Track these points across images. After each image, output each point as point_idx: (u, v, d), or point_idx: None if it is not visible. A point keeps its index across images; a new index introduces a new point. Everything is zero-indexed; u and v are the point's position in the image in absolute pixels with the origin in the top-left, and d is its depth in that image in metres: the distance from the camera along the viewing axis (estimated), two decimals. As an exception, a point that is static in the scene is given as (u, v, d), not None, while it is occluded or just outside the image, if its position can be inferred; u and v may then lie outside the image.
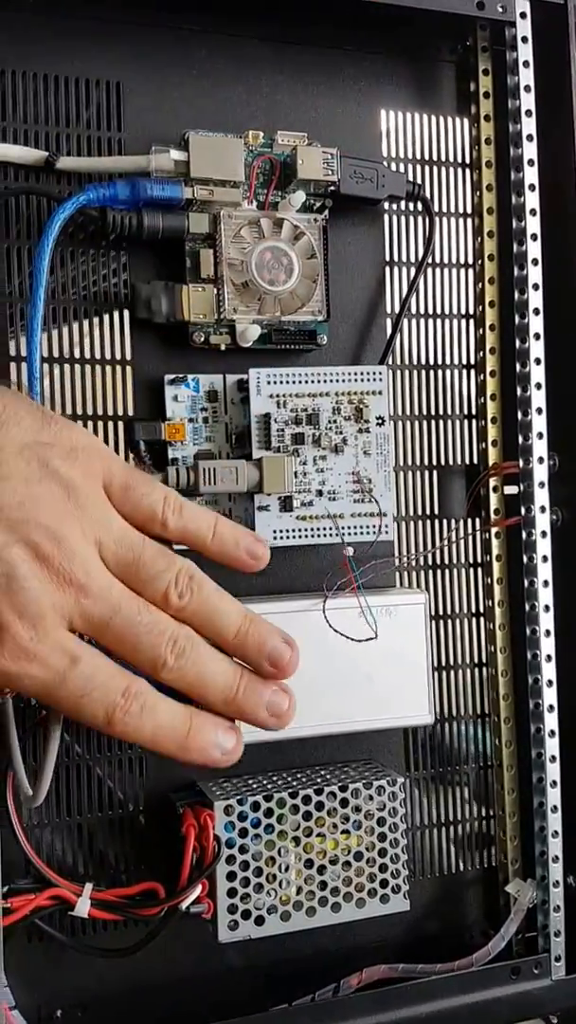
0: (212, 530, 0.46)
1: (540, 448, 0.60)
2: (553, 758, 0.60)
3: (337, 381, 0.57)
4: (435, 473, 0.63)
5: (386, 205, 0.62)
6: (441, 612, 0.64)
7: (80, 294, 0.56)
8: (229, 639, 0.45)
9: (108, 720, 0.42)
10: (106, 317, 0.57)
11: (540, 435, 0.60)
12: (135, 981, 0.56)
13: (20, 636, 0.39)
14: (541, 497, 0.60)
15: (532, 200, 0.60)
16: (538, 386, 0.60)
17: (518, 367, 0.61)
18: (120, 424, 0.56)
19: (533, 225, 0.60)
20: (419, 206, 0.63)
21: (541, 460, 0.60)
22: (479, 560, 0.64)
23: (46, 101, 0.55)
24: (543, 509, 0.60)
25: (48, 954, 0.54)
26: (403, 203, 0.63)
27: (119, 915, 0.53)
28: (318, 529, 0.57)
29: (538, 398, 0.60)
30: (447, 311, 0.64)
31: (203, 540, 0.46)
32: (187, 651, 0.43)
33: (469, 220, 0.65)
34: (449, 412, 0.64)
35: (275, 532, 0.56)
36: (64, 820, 0.55)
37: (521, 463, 0.61)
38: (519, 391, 0.61)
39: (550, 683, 0.60)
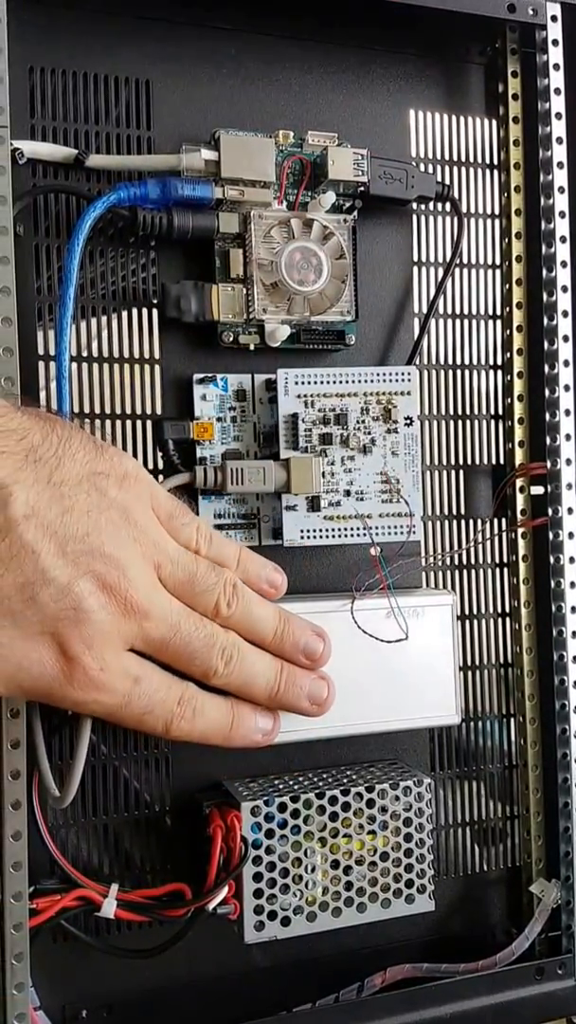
0: (236, 560, 0.49)
1: (568, 450, 0.59)
2: (578, 759, 0.59)
3: (366, 381, 0.55)
4: (462, 473, 0.62)
5: (414, 205, 0.60)
6: (467, 612, 0.62)
7: (109, 292, 0.54)
8: (269, 639, 0.49)
9: (166, 729, 0.45)
10: (135, 315, 0.55)
11: (568, 437, 0.59)
12: (160, 981, 0.55)
13: (90, 668, 0.41)
14: (569, 499, 0.59)
15: (561, 202, 0.58)
16: (566, 388, 0.58)
17: (546, 369, 0.59)
18: (149, 423, 0.55)
19: (562, 227, 0.58)
20: (448, 207, 0.61)
21: (569, 462, 0.59)
22: (505, 560, 0.63)
23: (75, 99, 0.54)
24: (570, 511, 0.59)
25: (73, 954, 0.53)
26: (431, 204, 0.61)
27: (145, 916, 0.52)
28: (346, 529, 0.55)
29: (566, 400, 0.59)
30: (474, 312, 0.63)
31: (228, 568, 0.48)
32: (234, 657, 0.46)
33: (496, 221, 0.63)
34: (476, 412, 0.62)
35: (303, 532, 0.55)
36: (90, 821, 0.54)
37: (549, 464, 0.59)
38: (547, 393, 0.59)
39: (576, 684, 0.59)
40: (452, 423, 0.62)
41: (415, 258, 0.61)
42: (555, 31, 0.58)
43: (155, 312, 0.55)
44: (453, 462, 0.62)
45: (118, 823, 0.54)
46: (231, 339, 0.55)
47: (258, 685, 0.48)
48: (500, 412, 0.63)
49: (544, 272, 0.59)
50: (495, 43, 0.62)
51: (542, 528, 0.61)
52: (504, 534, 0.62)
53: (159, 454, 0.55)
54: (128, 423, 0.55)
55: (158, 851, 0.55)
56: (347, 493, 0.55)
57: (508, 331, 0.62)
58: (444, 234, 0.62)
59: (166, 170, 0.54)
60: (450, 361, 0.62)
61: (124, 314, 0.55)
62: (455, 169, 0.62)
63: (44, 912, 0.50)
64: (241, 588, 0.47)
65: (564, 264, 0.59)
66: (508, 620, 0.63)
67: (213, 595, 0.46)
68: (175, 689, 0.45)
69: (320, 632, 0.51)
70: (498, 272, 0.63)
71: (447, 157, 0.62)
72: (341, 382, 0.55)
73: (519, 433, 0.62)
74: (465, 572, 0.62)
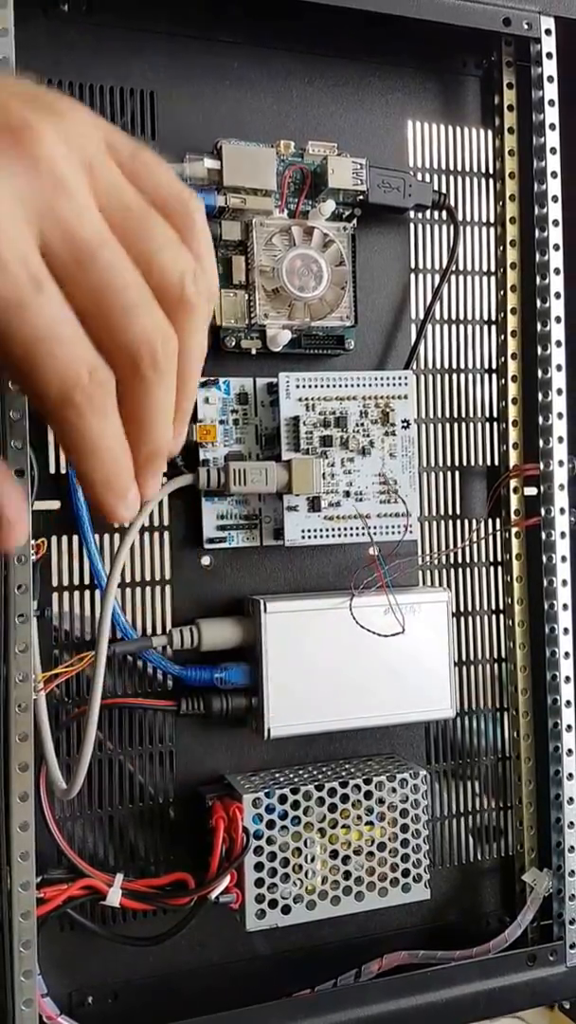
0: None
1: (560, 452, 0.58)
2: (570, 751, 0.58)
3: (365, 385, 0.55)
4: (457, 474, 0.62)
5: (412, 214, 0.60)
6: (462, 609, 0.62)
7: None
8: (193, 368, 0.32)
9: (61, 398, 0.28)
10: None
11: (560, 439, 0.58)
12: (164, 968, 0.54)
13: None
14: (561, 499, 0.58)
15: (555, 211, 0.58)
16: (559, 392, 0.58)
17: (539, 373, 0.59)
18: (153, 425, 0.54)
19: (556, 236, 0.58)
20: (444, 215, 0.61)
21: (561, 463, 0.58)
22: (499, 559, 0.63)
23: (82, 109, 0.53)
24: (562, 511, 0.58)
25: (79, 942, 0.53)
26: (428, 212, 0.61)
27: (150, 904, 0.52)
28: (345, 529, 0.55)
29: (559, 403, 0.58)
30: (470, 317, 0.62)
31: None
32: (164, 368, 0.29)
33: (492, 229, 0.63)
34: (471, 415, 0.62)
35: (303, 531, 0.54)
36: (95, 812, 0.53)
37: (541, 466, 0.59)
38: (540, 396, 0.59)
39: (568, 679, 0.58)
40: (448, 425, 0.62)
41: (412, 265, 0.61)
42: (549, 44, 0.58)
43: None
44: (449, 463, 0.62)
45: (123, 815, 0.54)
46: (233, 343, 0.55)
47: (156, 432, 0.30)
48: (494, 415, 0.63)
49: (538, 279, 0.59)
50: (491, 56, 0.62)
51: (535, 528, 0.60)
52: (498, 533, 0.62)
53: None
54: (133, 425, 0.54)
55: (162, 842, 0.55)
56: (347, 494, 0.55)
57: (502, 336, 0.62)
58: (440, 242, 0.61)
59: (170, 179, 0.53)
60: (446, 365, 0.62)
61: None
62: (451, 178, 0.62)
63: (51, 901, 0.50)
64: (210, 281, 0.31)
65: (557, 271, 0.58)
66: (502, 617, 0.63)
67: (177, 261, 0.29)
68: (89, 352, 0.28)
69: None
70: (493, 279, 0.63)
71: (444, 167, 0.62)
72: (341, 386, 0.55)
73: (513, 435, 0.61)
74: (460, 570, 0.62)
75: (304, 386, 0.54)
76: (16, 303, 0.26)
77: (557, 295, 0.58)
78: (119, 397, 0.29)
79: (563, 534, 0.59)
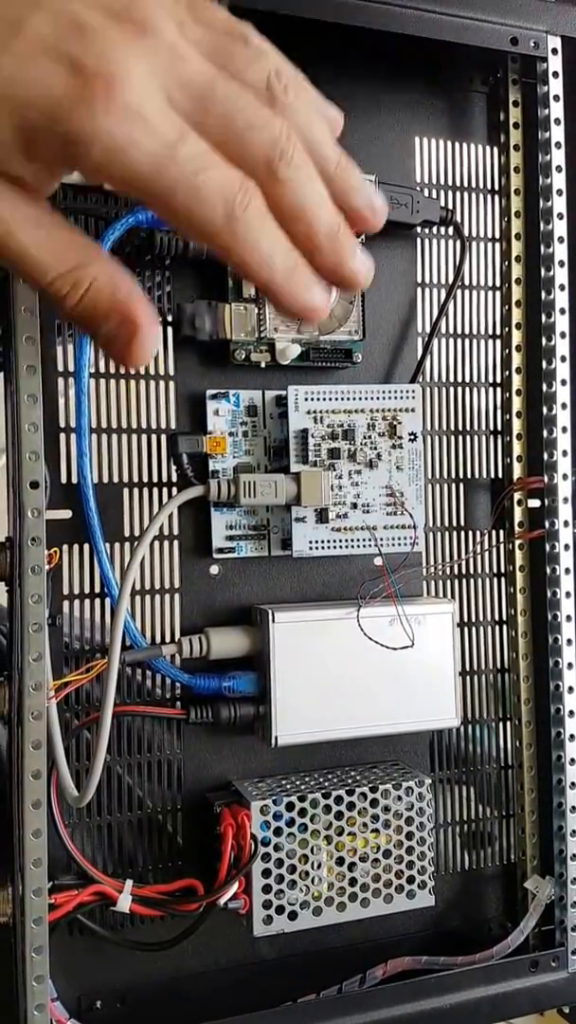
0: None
1: (564, 465, 0.59)
2: (572, 760, 0.59)
3: (372, 398, 0.56)
4: (462, 486, 0.62)
5: (419, 229, 0.61)
6: (466, 620, 0.62)
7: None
8: (331, 168, 0.34)
9: (228, 216, 0.30)
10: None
11: (564, 453, 0.59)
12: (171, 973, 0.55)
13: (114, 85, 0.29)
14: (565, 512, 0.59)
15: (560, 228, 0.59)
16: (563, 406, 0.59)
17: (544, 387, 0.60)
18: (163, 437, 0.55)
19: (561, 252, 0.59)
20: (451, 231, 0.62)
21: (565, 476, 0.59)
22: (503, 571, 0.63)
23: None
24: (566, 523, 0.59)
25: (88, 948, 0.53)
26: (435, 228, 0.61)
27: (159, 911, 0.52)
28: (352, 540, 0.56)
29: (563, 417, 0.59)
30: (475, 332, 0.63)
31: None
32: (297, 162, 0.31)
33: (497, 245, 0.63)
34: (476, 428, 0.63)
35: (311, 543, 0.55)
36: (105, 819, 0.54)
37: (546, 479, 0.60)
38: (545, 410, 0.60)
39: (571, 689, 0.59)
40: (453, 438, 0.62)
41: (419, 280, 0.62)
42: (555, 63, 0.59)
43: (170, 330, 0.55)
44: (453, 476, 0.62)
45: (132, 821, 0.55)
46: (243, 356, 0.56)
47: (320, 217, 0.32)
48: (499, 428, 0.63)
49: (543, 294, 0.60)
50: (497, 73, 0.62)
51: (539, 540, 0.61)
52: (502, 545, 0.63)
53: (173, 467, 0.55)
54: (144, 437, 0.55)
55: (170, 848, 0.55)
56: (354, 506, 0.56)
57: (507, 350, 0.63)
58: (447, 257, 0.62)
59: (182, 194, 0.54)
60: (452, 379, 0.62)
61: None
62: (458, 194, 0.63)
63: (62, 907, 0.50)
64: (300, 80, 0.34)
65: (562, 287, 0.59)
66: (505, 628, 0.63)
67: (261, 70, 0.32)
68: (234, 171, 0.30)
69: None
70: (498, 294, 0.64)
71: (450, 183, 0.62)
72: (349, 399, 0.56)
73: (517, 448, 0.62)
74: (465, 581, 0.63)
75: (312, 399, 0.55)
76: (168, 154, 0.29)
77: (562, 311, 0.59)
78: (277, 213, 0.31)
79: (567, 546, 0.59)
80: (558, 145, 0.59)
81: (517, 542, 0.62)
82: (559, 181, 0.59)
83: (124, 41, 0.29)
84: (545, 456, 0.60)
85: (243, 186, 0.30)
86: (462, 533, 0.62)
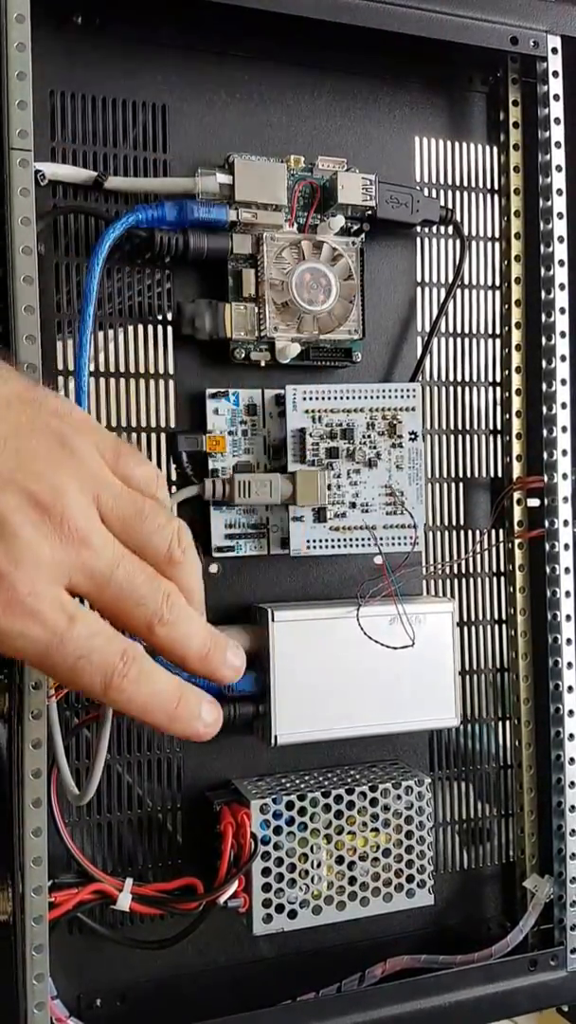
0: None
1: (564, 464, 0.59)
2: (572, 760, 0.59)
3: (372, 397, 0.56)
4: (462, 486, 0.62)
5: (419, 228, 0.61)
6: (466, 619, 0.62)
7: (125, 308, 0.55)
8: (197, 595, 0.41)
9: (105, 686, 0.37)
10: (150, 332, 0.55)
11: (564, 452, 0.59)
12: (171, 971, 0.55)
13: (18, 587, 0.34)
14: (564, 511, 0.59)
15: (560, 227, 0.59)
16: (563, 405, 0.59)
17: (544, 387, 0.60)
18: (163, 436, 0.55)
19: (560, 252, 0.59)
20: (450, 230, 0.62)
21: (565, 476, 0.59)
22: (503, 570, 0.63)
23: (94, 122, 0.54)
24: (566, 523, 0.59)
25: (88, 946, 0.53)
26: (435, 227, 0.61)
27: (159, 909, 0.52)
28: (350, 539, 0.56)
29: (563, 417, 0.59)
30: (475, 331, 0.63)
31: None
32: (176, 607, 0.39)
33: (497, 244, 0.63)
34: (476, 427, 0.63)
35: (309, 542, 0.55)
36: (104, 817, 0.54)
37: (546, 479, 0.60)
38: (545, 410, 0.60)
39: (570, 688, 0.59)
40: (453, 438, 0.62)
41: (419, 279, 0.62)
42: (555, 63, 0.59)
43: (169, 329, 0.55)
44: (453, 475, 0.62)
45: (132, 820, 0.55)
46: (243, 355, 0.56)
47: (194, 643, 0.40)
48: (499, 427, 0.63)
49: (543, 294, 0.60)
50: (497, 72, 0.62)
51: (538, 539, 0.61)
52: (502, 545, 0.63)
53: (173, 466, 0.55)
54: (143, 436, 0.55)
55: (171, 847, 0.55)
56: (352, 505, 0.56)
57: (507, 350, 0.63)
58: (447, 256, 0.62)
59: (181, 193, 0.54)
60: (451, 378, 0.62)
61: (140, 330, 0.55)
62: (457, 194, 0.63)
63: (62, 905, 0.50)
64: (191, 540, 0.41)
65: (562, 287, 0.59)
66: (505, 627, 0.63)
67: (164, 538, 0.39)
68: (118, 641, 0.37)
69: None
70: (498, 293, 0.64)
71: (450, 182, 0.63)
72: (348, 398, 0.56)
73: (517, 448, 0.62)
74: (464, 581, 0.63)
75: (311, 398, 0.55)
76: (58, 640, 0.35)
77: (562, 310, 0.59)
78: (159, 650, 0.39)
79: (566, 546, 0.59)
80: (558, 144, 0.59)
81: (517, 541, 0.62)
82: (559, 180, 0.59)
83: (36, 540, 0.35)
84: (545, 455, 0.60)
85: (123, 658, 0.37)
86: (462, 532, 0.62)
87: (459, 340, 0.63)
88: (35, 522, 0.35)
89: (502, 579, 0.63)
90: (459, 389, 0.63)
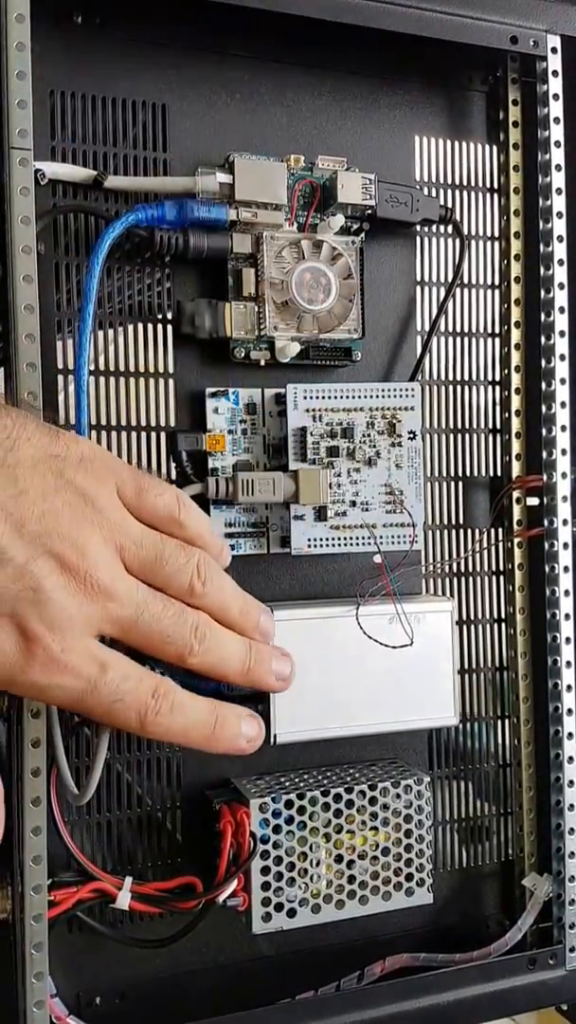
0: (211, 529, 0.47)
1: (564, 464, 0.59)
2: (571, 759, 0.59)
3: (372, 397, 0.56)
4: (461, 485, 0.62)
5: (418, 228, 0.61)
6: (465, 618, 0.62)
7: (125, 307, 0.54)
8: (236, 616, 0.46)
9: (141, 722, 0.41)
10: (150, 331, 0.55)
11: (564, 451, 0.59)
12: (171, 969, 0.55)
13: (50, 648, 0.38)
14: (564, 510, 0.59)
15: (559, 227, 0.59)
16: (562, 405, 0.59)
17: (543, 386, 0.60)
18: (163, 435, 0.55)
19: (560, 251, 0.59)
20: (450, 229, 0.62)
21: (564, 475, 0.59)
22: (502, 569, 0.63)
23: (94, 121, 0.54)
24: (565, 522, 0.59)
25: (87, 944, 0.53)
26: (435, 226, 0.61)
27: (158, 908, 0.52)
28: (351, 538, 0.56)
29: (562, 416, 0.59)
30: (474, 330, 0.63)
31: (209, 538, 0.46)
32: (207, 635, 0.43)
33: (496, 243, 0.63)
34: (475, 426, 0.63)
35: (309, 540, 0.55)
36: (104, 816, 0.54)
37: (545, 478, 0.60)
38: (544, 409, 0.60)
39: (569, 688, 0.59)
40: (452, 436, 0.62)
41: (418, 278, 0.62)
42: (555, 62, 0.59)
43: (169, 327, 0.55)
44: (453, 474, 0.62)
45: (131, 818, 0.54)
46: (243, 355, 0.56)
47: (232, 663, 0.45)
48: (498, 426, 0.63)
49: (542, 293, 0.60)
50: (497, 72, 0.62)
51: (537, 538, 0.61)
52: (501, 543, 0.63)
53: (173, 465, 0.55)
54: (143, 435, 0.55)
55: (170, 846, 0.55)
56: (353, 504, 0.56)
57: (506, 349, 0.63)
58: (446, 255, 0.62)
59: (181, 192, 0.54)
60: (451, 377, 0.62)
61: (139, 329, 0.55)
62: (457, 193, 0.63)
63: (61, 904, 0.50)
64: (213, 566, 0.44)
65: (561, 286, 0.59)
66: (504, 625, 0.63)
67: (185, 575, 0.43)
68: (148, 680, 0.42)
69: (265, 608, 0.48)
70: (497, 292, 0.63)
71: (450, 181, 0.62)
72: (348, 397, 0.56)
73: (516, 447, 0.62)
74: (463, 580, 0.62)
75: (312, 397, 0.55)
76: (92, 687, 0.40)
77: (561, 310, 0.59)
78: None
79: (565, 545, 0.59)
80: (557, 144, 0.59)
81: (516, 540, 0.62)
82: (558, 180, 0.59)
83: (66, 601, 0.39)
84: (544, 454, 0.60)
85: (154, 695, 0.41)
86: (461, 531, 0.62)
87: (458, 339, 0.63)
88: (64, 584, 0.39)
89: (501, 578, 0.63)
90: (458, 388, 0.63)
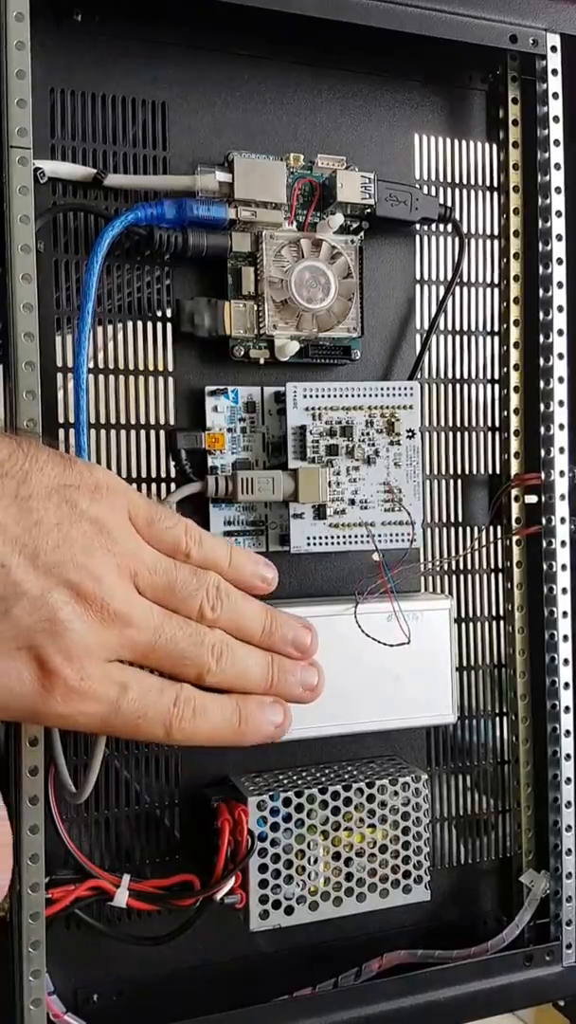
0: (228, 559, 0.46)
1: (561, 462, 0.59)
2: (568, 756, 0.59)
3: (371, 395, 0.56)
4: (460, 482, 0.62)
5: (418, 226, 0.60)
6: (463, 615, 0.62)
7: (124, 305, 0.54)
8: (257, 636, 0.46)
9: (167, 733, 0.42)
10: (149, 329, 0.55)
11: (562, 450, 0.59)
12: (168, 967, 0.55)
13: (70, 678, 0.39)
14: (561, 508, 0.59)
15: (558, 225, 0.59)
16: (560, 403, 0.59)
17: (541, 384, 0.59)
18: (162, 433, 0.55)
19: (559, 249, 0.59)
20: (449, 228, 0.61)
21: (562, 473, 0.59)
22: (500, 566, 0.63)
23: (93, 119, 0.53)
24: (563, 520, 0.59)
25: (85, 941, 0.53)
26: (434, 225, 0.61)
27: (156, 905, 0.52)
28: (350, 536, 0.55)
29: (560, 414, 0.59)
30: (473, 329, 0.63)
31: (221, 569, 0.46)
32: (224, 653, 0.44)
33: (496, 242, 0.63)
34: (474, 424, 0.63)
35: (308, 539, 0.55)
36: (102, 814, 0.54)
37: (543, 476, 0.59)
38: (542, 407, 0.59)
39: (567, 685, 0.59)
40: (451, 435, 0.62)
41: (417, 277, 0.61)
42: (555, 61, 0.58)
43: (169, 326, 0.55)
44: (451, 472, 0.62)
45: (129, 816, 0.54)
46: (242, 353, 0.55)
47: (253, 678, 0.45)
48: (497, 424, 0.63)
49: (541, 292, 0.59)
50: (496, 70, 0.62)
51: (536, 536, 0.61)
52: (499, 541, 0.63)
53: (172, 463, 0.55)
54: (142, 433, 0.54)
55: (168, 843, 0.55)
56: (352, 502, 0.55)
57: (505, 347, 0.62)
58: (446, 254, 0.62)
59: (181, 190, 0.54)
60: (450, 376, 0.62)
61: (139, 327, 0.55)
62: (457, 191, 0.62)
63: (59, 901, 0.50)
64: (225, 589, 0.45)
65: (560, 285, 0.59)
66: (502, 623, 0.63)
67: (196, 600, 0.43)
68: (169, 691, 0.42)
69: (307, 624, 0.48)
70: (496, 291, 0.63)
71: (449, 180, 0.62)
72: (347, 396, 0.55)
73: (514, 445, 0.62)
74: (462, 577, 0.62)
75: (311, 396, 0.55)
76: (114, 709, 0.40)
77: (560, 308, 0.59)
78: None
79: (563, 543, 0.59)
80: (557, 142, 0.59)
81: (514, 538, 0.62)
82: (558, 178, 0.59)
83: (83, 630, 0.39)
84: (542, 452, 0.60)
85: (176, 704, 0.42)
86: (459, 529, 0.62)
87: (457, 337, 0.62)
88: (80, 614, 0.39)
89: (499, 575, 0.63)
90: (457, 386, 0.62)
